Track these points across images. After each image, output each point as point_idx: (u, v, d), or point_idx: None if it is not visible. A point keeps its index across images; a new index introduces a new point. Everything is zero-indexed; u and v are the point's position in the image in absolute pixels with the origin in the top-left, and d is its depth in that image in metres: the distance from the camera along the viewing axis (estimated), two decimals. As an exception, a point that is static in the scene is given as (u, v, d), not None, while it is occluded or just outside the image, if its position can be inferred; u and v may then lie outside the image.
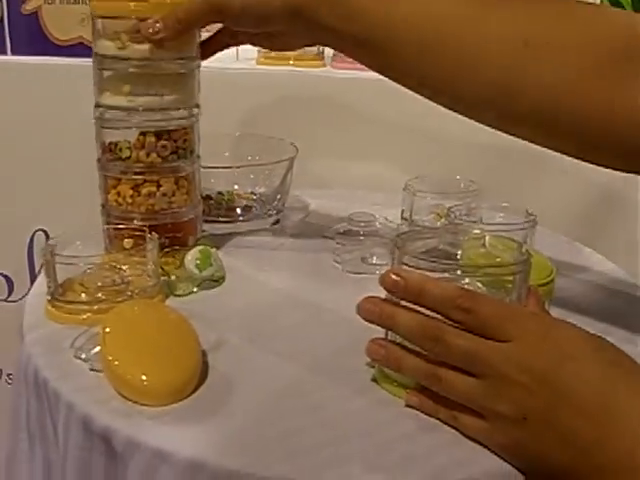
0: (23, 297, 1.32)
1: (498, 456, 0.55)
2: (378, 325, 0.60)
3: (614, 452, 0.48)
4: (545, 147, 0.67)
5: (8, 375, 1.37)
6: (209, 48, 0.87)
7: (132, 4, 0.78)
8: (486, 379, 0.53)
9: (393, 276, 0.58)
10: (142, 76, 0.80)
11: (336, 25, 0.70)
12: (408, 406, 0.60)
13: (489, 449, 0.55)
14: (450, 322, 0.56)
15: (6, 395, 1.32)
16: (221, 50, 0.89)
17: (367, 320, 0.60)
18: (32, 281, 1.31)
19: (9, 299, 1.33)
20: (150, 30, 0.77)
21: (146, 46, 0.79)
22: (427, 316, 0.57)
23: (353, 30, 0.69)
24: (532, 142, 0.67)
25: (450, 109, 0.69)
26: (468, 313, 0.54)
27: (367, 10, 0.68)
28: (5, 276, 1.33)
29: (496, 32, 0.64)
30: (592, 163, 0.65)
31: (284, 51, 0.91)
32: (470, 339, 0.54)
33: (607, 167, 0.65)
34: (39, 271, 1.31)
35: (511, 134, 0.68)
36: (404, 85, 0.71)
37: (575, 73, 0.62)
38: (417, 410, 0.59)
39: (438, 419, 0.58)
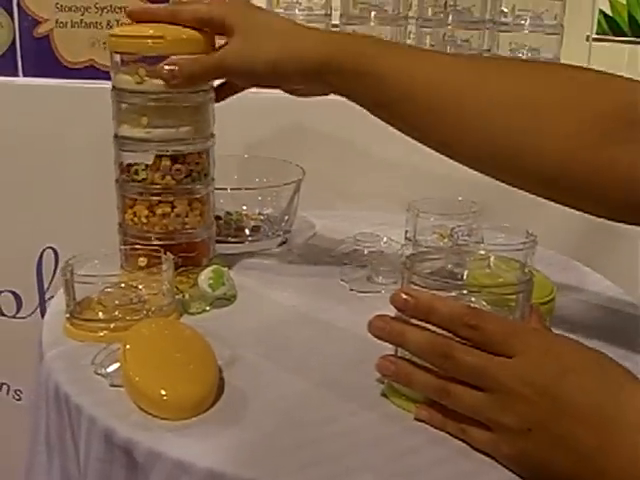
0: (31, 314, 1.34)
1: (505, 467, 0.57)
2: (388, 342, 0.63)
3: (616, 458, 0.51)
4: (546, 199, 0.71)
5: (15, 391, 1.39)
6: (223, 93, 0.90)
7: (149, 41, 0.81)
8: (493, 393, 0.56)
9: (403, 295, 0.61)
10: (159, 109, 0.84)
11: (360, 89, 0.76)
12: (417, 419, 0.63)
13: (496, 460, 0.58)
14: (458, 339, 0.59)
15: (14, 410, 1.36)
16: (234, 95, 0.92)
17: (377, 337, 0.62)
18: (41, 298, 1.33)
19: (17, 315, 1.35)
20: (166, 74, 0.80)
21: (161, 80, 0.82)
22: (435, 333, 0.60)
23: (375, 94, 0.75)
24: (534, 195, 0.72)
25: (454, 160, 0.74)
26: (475, 330, 0.57)
27: (391, 78, 0.73)
28: (14, 293, 1.35)
29: (496, 96, 0.69)
30: (581, 211, 0.70)
31: (301, 97, 0.92)
32: (477, 355, 0.57)
33: (594, 215, 0.70)
34: (48, 288, 1.33)
35: (513, 187, 0.72)
36: (409, 136, 0.76)
37: (575, 137, 0.65)
38: (426, 424, 0.62)
39: (447, 432, 0.61)
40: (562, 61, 1.24)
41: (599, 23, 3.39)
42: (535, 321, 0.65)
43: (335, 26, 1.29)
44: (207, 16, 0.81)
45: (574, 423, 0.52)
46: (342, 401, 0.66)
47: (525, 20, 1.23)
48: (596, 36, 3.30)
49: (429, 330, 0.60)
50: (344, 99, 1.23)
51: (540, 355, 0.56)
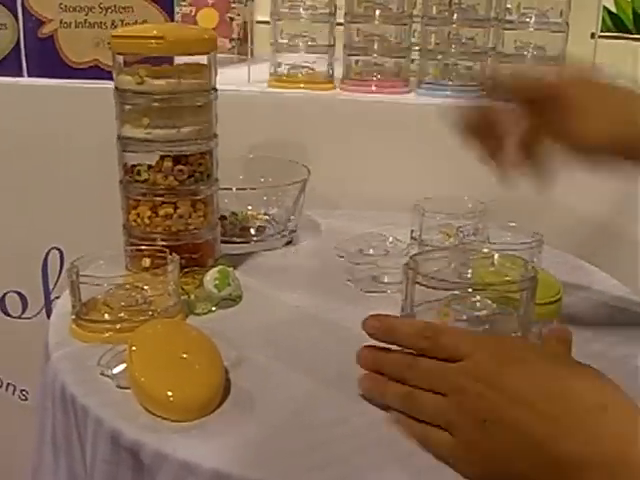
0: (37, 314, 1.34)
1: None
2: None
3: (569, 444, 0.51)
4: None
5: (21, 391, 1.39)
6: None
7: (151, 42, 0.81)
8: (451, 395, 0.58)
9: (372, 321, 0.64)
10: (161, 109, 0.84)
11: None
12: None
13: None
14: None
15: (20, 410, 1.36)
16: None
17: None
18: (46, 299, 1.34)
19: (23, 316, 1.36)
20: None
21: (163, 81, 0.82)
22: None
23: None
24: None
25: None
26: (430, 340, 0.61)
27: None
28: (19, 293, 1.35)
29: None
30: None
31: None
32: (433, 362, 0.60)
33: None
34: (53, 288, 1.33)
35: None
36: None
37: None
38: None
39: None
40: (567, 58, 1.24)
41: (603, 20, 3.38)
42: (555, 343, 0.64)
43: (340, 24, 1.29)
44: None
45: (524, 411, 0.53)
46: (350, 402, 0.66)
47: (530, 18, 1.22)
48: (601, 33, 3.30)
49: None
50: (349, 97, 1.24)
51: (488, 353, 0.58)
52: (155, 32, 0.82)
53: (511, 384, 0.55)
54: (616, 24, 3.41)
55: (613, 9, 3.41)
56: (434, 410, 0.59)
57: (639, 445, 0.49)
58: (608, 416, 0.51)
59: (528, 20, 1.22)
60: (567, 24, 1.22)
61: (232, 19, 1.63)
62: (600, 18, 3.24)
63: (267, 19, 1.32)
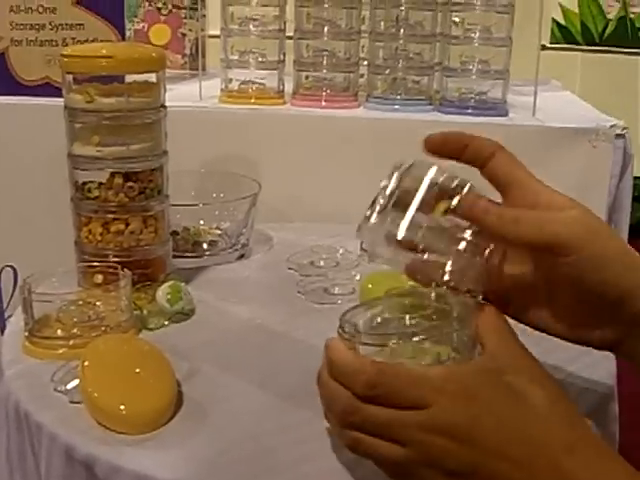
0: (-10, 332, 1.34)
1: None
2: None
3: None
4: None
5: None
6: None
7: (100, 61, 0.82)
8: (412, 447, 0.54)
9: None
10: (110, 127, 0.85)
11: None
12: None
13: None
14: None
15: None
16: None
17: None
18: (0, 315, 1.33)
19: (-24, 335, 1.35)
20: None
21: (113, 99, 0.83)
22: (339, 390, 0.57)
23: None
24: None
25: None
26: (376, 388, 0.54)
27: None
28: (-28, 311, 1.35)
29: None
30: None
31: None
32: (385, 411, 0.54)
33: None
34: (7, 307, 1.33)
35: None
36: None
37: None
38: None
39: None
40: (513, 70, 1.27)
41: (552, 32, 3.47)
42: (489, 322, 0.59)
43: (290, 37, 1.31)
44: None
45: (499, 461, 0.52)
46: (298, 410, 0.67)
47: (475, 33, 1.25)
48: (550, 45, 3.37)
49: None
50: (299, 111, 1.25)
51: (451, 402, 0.53)
52: (104, 51, 0.83)
53: (480, 438, 0.52)
54: (565, 36, 3.49)
55: (562, 21, 3.49)
56: (393, 461, 0.55)
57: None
58: (575, 457, 0.52)
59: (473, 35, 1.25)
60: (510, 39, 1.25)
61: (184, 35, 1.64)
62: (547, 29, 3.30)
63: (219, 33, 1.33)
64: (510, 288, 0.63)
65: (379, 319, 0.63)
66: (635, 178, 1.24)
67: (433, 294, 0.62)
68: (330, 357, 0.57)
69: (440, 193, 0.61)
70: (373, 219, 0.63)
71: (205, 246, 1.03)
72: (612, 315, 0.59)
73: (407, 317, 0.61)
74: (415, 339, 0.58)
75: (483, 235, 0.60)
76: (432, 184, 0.62)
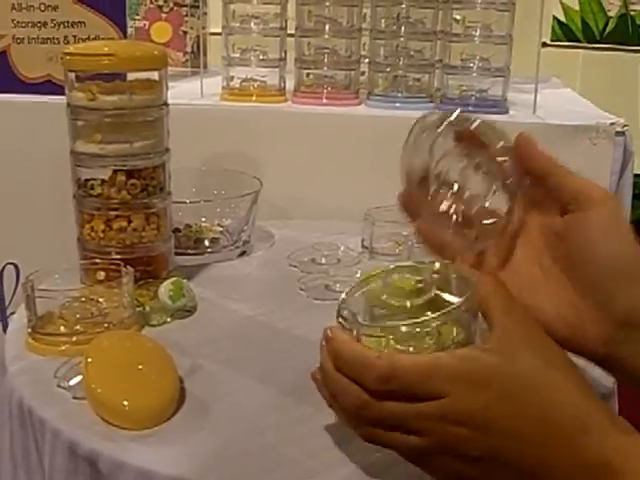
0: (-8, 329, 1.34)
1: None
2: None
3: (558, 469, 0.52)
4: None
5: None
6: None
7: (104, 58, 0.82)
8: (428, 437, 0.54)
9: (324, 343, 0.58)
10: (113, 125, 0.85)
11: None
12: None
13: None
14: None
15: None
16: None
17: None
18: (2, 314, 1.33)
19: (-22, 330, 1.35)
20: None
21: (115, 97, 0.84)
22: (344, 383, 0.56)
23: None
24: None
25: None
26: (389, 381, 0.54)
27: None
28: (-26, 308, 1.35)
29: None
30: None
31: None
32: (399, 405, 0.54)
33: None
34: (9, 304, 1.33)
35: None
36: None
37: None
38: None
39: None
40: (514, 68, 1.27)
41: (553, 30, 3.47)
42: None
43: (291, 35, 1.32)
44: None
45: (516, 444, 0.52)
46: (301, 406, 0.68)
47: (475, 31, 1.26)
48: (551, 42, 3.37)
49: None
50: (300, 109, 1.26)
51: (465, 391, 0.53)
52: (106, 49, 0.84)
53: (496, 424, 0.53)
54: (565, 33, 3.49)
55: (563, 19, 3.49)
56: (409, 452, 0.55)
57: (620, 455, 0.51)
58: (591, 438, 0.52)
59: (474, 33, 1.26)
60: (511, 36, 1.25)
61: (186, 32, 1.64)
62: (549, 27, 3.30)
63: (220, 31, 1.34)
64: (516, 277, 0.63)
65: (379, 307, 0.62)
66: (635, 176, 1.24)
67: (437, 264, 0.62)
68: (336, 349, 0.56)
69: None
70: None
71: (207, 243, 1.03)
72: (606, 305, 0.59)
73: (407, 302, 0.60)
74: (417, 328, 0.56)
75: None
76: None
